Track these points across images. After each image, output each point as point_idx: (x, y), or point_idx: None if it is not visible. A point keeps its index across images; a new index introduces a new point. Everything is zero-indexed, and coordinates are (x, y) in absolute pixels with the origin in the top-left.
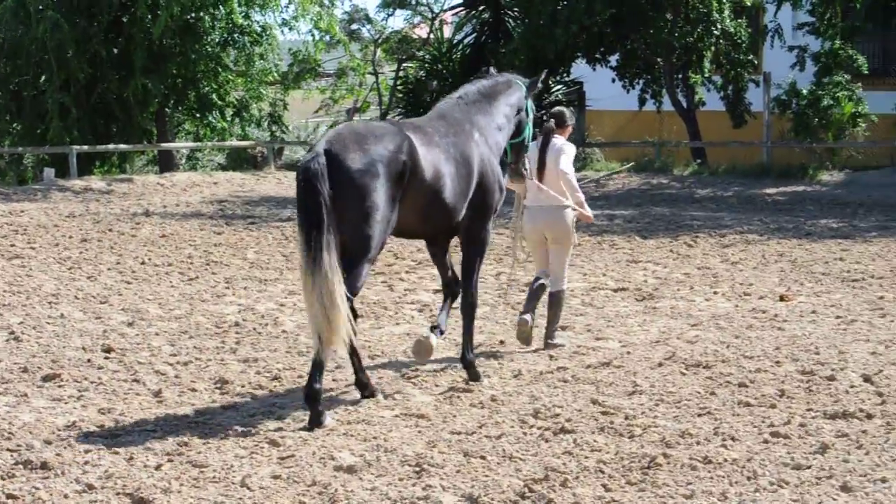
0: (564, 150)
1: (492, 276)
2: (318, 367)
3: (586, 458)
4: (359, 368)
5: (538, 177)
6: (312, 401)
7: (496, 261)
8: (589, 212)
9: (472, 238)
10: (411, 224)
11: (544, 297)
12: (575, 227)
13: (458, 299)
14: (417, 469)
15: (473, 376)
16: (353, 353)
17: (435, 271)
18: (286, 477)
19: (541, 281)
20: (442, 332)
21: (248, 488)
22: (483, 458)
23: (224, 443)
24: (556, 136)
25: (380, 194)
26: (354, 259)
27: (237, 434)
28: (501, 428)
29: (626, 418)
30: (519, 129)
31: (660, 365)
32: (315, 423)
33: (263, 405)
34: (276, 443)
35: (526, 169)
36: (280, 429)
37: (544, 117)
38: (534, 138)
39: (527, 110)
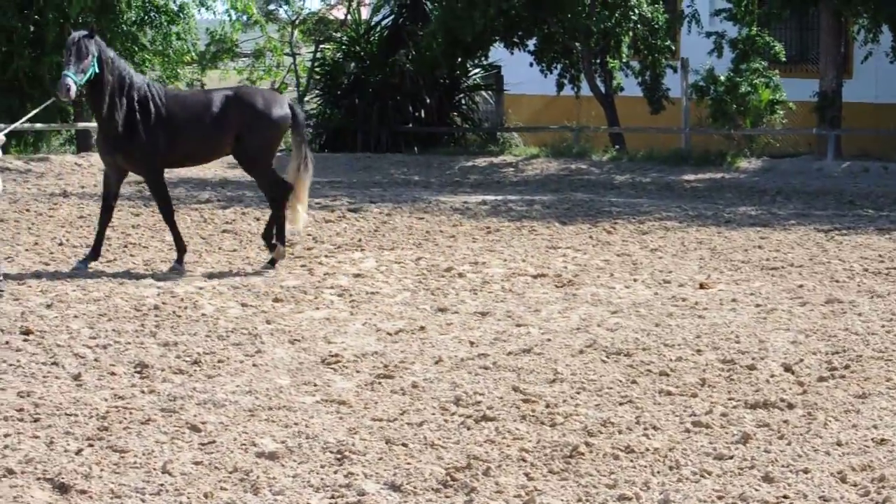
0: None
1: (412, 262)
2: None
3: (508, 446)
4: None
5: None
6: None
7: (416, 245)
8: None
9: None
10: None
11: None
12: None
13: None
14: (339, 456)
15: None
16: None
17: (354, 255)
18: (207, 463)
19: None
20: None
21: (170, 474)
22: (405, 445)
23: (144, 428)
24: None
25: None
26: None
27: (158, 419)
28: (423, 415)
29: (548, 406)
30: None
31: (580, 352)
32: None
33: (184, 389)
34: (198, 428)
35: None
36: (201, 414)
37: None
38: None
39: None
